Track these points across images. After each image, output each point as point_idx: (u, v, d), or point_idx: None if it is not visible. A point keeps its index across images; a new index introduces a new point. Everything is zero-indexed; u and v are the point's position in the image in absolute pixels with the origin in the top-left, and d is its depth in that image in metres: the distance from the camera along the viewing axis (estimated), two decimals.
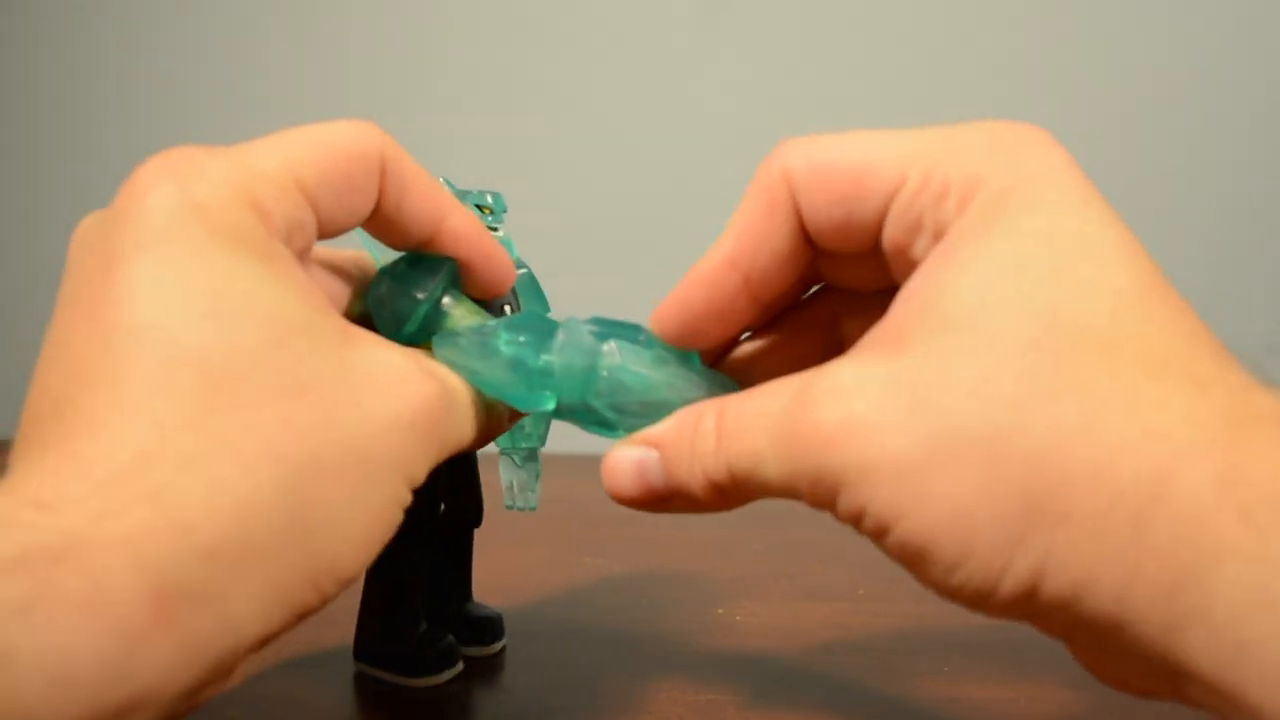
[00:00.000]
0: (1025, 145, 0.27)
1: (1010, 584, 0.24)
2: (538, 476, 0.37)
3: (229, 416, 0.23)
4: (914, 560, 0.25)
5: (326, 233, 0.29)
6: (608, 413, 0.30)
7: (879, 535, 0.25)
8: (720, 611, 0.44)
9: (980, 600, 0.25)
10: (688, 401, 0.30)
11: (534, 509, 0.37)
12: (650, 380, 0.30)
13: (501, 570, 0.50)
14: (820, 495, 0.26)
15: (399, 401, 0.26)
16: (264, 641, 0.23)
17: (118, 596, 0.20)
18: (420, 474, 0.26)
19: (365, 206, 0.29)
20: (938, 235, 0.26)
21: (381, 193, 0.29)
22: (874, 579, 0.49)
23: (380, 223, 0.30)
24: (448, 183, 0.34)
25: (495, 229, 0.36)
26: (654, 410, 0.30)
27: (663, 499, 0.30)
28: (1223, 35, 0.81)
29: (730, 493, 0.28)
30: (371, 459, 0.25)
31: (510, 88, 0.88)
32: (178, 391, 0.23)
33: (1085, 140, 0.87)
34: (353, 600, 0.40)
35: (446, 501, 0.38)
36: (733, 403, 0.28)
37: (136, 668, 0.20)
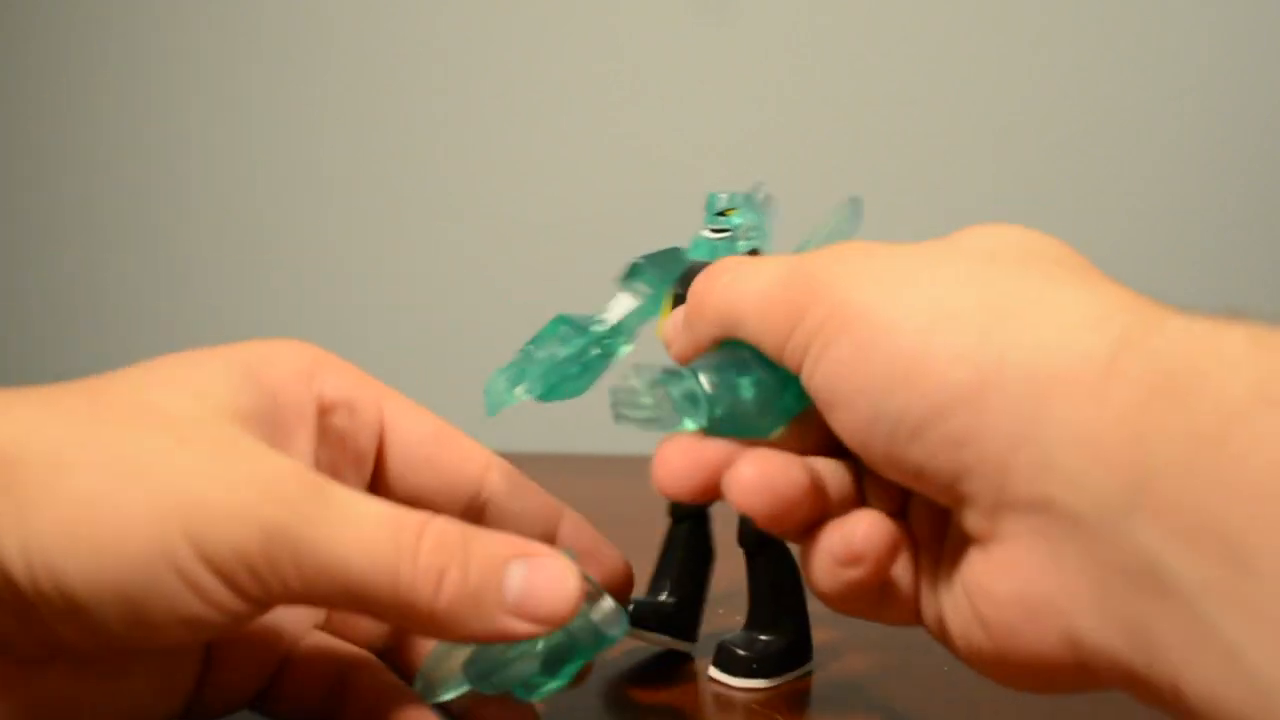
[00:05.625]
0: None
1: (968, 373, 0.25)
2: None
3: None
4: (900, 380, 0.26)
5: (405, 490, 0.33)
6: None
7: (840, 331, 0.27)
8: (720, 611, 0.44)
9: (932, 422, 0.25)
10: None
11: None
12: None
13: None
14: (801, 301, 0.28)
15: (231, 469, 0.26)
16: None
17: None
18: (207, 557, 0.25)
19: (448, 501, 0.33)
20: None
21: (486, 502, 0.34)
22: None
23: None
24: (713, 198, 0.36)
25: (724, 231, 0.36)
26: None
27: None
28: (1224, 34, 0.81)
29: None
30: (146, 475, 0.25)
31: (509, 86, 0.88)
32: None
33: (1088, 141, 0.87)
34: None
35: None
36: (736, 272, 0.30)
37: None
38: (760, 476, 0.28)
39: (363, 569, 0.25)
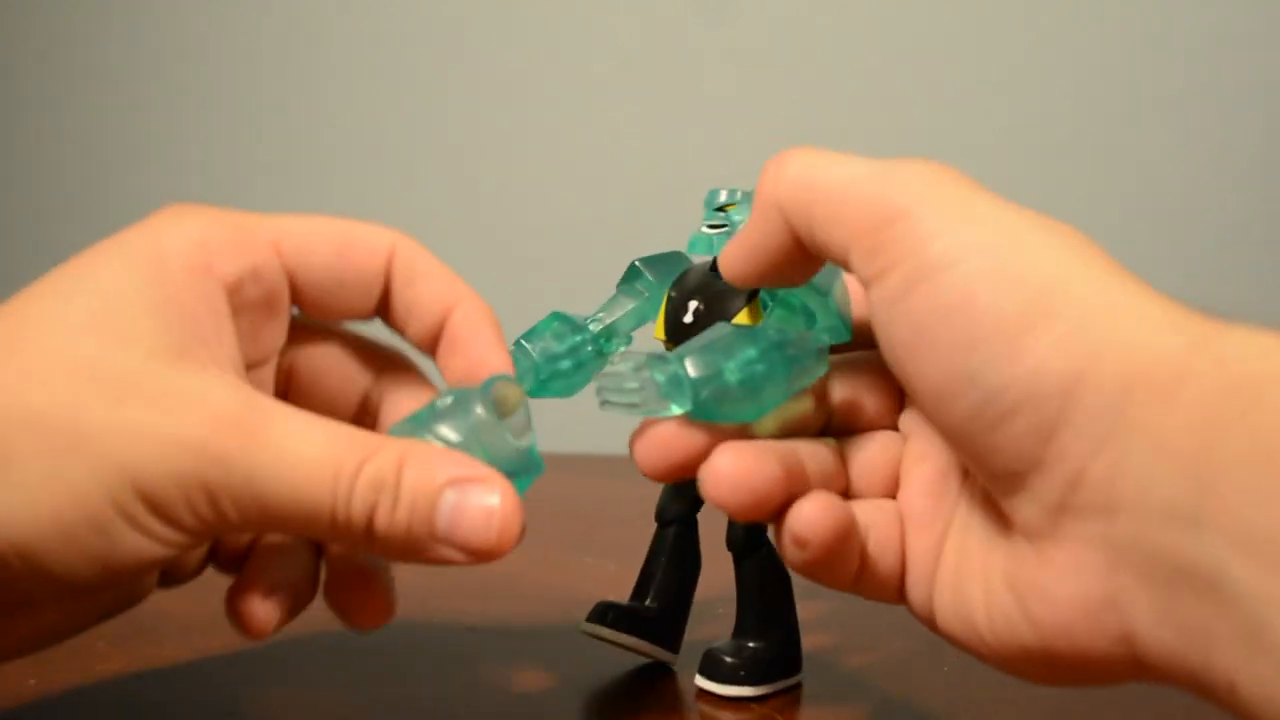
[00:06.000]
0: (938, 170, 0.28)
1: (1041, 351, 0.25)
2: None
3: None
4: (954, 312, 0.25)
5: (319, 310, 0.32)
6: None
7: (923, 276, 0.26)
8: (721, 611, 0.44)
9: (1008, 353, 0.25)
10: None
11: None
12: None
13: (500, 569, 0.50)
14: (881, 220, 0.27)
15: (164, 414, 0.26)
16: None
17: None
18: (156, 487, 0.26)
19: (363, 301, 0.32)
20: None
21: (389, 291, 0.32)
22: None
23: (391, 316, 0.32)
24: (712, 193, 0.36)
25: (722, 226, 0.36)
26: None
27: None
28: (1224, 34, 0.81)
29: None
30: (89, 439, 0.26)
31: (509, 87, 0.88)
32: None
33: (1088, 141, 0.87)
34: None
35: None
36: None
37: None
38: (735, 471, 0.28)
39: (303, 511, 0.26)
